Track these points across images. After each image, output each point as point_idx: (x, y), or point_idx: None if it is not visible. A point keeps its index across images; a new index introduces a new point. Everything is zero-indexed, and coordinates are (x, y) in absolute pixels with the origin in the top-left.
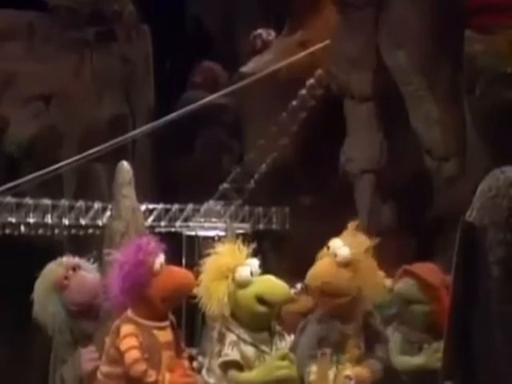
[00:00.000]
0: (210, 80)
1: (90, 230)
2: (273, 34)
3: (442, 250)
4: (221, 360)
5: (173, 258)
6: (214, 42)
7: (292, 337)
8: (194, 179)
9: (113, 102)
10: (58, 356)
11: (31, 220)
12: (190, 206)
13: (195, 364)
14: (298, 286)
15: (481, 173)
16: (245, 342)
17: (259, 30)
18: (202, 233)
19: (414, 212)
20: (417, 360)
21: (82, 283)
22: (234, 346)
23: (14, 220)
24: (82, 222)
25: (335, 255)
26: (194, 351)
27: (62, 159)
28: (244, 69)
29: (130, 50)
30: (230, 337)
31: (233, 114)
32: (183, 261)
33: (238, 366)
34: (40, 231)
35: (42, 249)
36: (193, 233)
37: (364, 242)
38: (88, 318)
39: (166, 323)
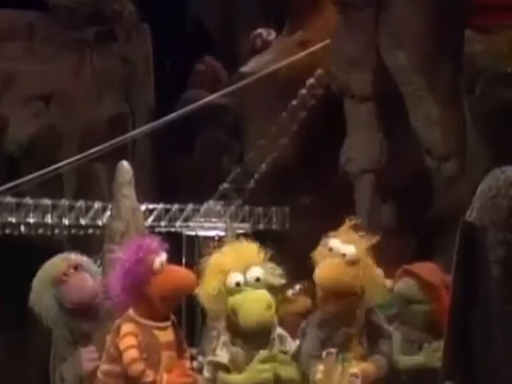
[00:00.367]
0: (212, 73)
1: (90, 230)
2: (273, 33)
3: (442, 250)
4: (210, 359)
5: (173, 258)
6: (213, 42)
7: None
8: (194, 179)
9: (113, 102)
10: (58, 353)
11: (31, 220)
12: (190, 206)
13: (195, 364)
14: (297, 287)
15: (481, 173)
16: (234, 344)
17: (259, 30)
18: (202, 233)
19: (414, 212)
20: (417, 359)
21: (81, 284)
22: (225, 346)
23: (14, 220)
24: (82, 222)
25: (343, 255)
26: (194, 351)
27: (61, 159)
28: (244, 69)
29: (129, 49)
30: (224, 337)
31: (233, 114)
32: (183, 261)
33: (225, 368)
34: (40, 231)
35: (42, 249)
36: (193, 233)
37: (360, 239)
38: (87, 317)
39: (167, 323)
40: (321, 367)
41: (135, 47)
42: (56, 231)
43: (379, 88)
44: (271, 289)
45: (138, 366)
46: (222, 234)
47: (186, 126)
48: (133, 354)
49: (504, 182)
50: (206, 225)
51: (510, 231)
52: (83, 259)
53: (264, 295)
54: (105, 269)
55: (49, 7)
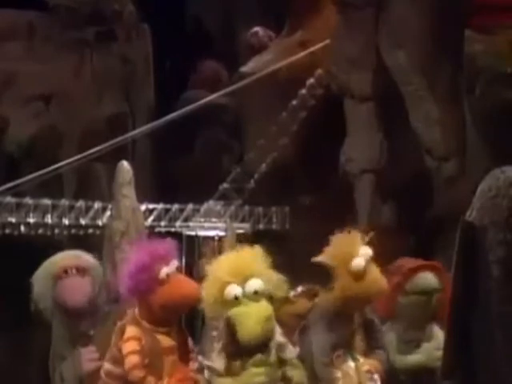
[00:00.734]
0: (212, 73)
1: (90, 230)
2: (270, 32)
3: (442, 250)
4: (205, 362)
5: None
6: (214, 42)
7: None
8: (194, 179)
9: (113, 102)
10: (57, 352)
11: (31, 220)
12: (190, 206)
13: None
14: (299, 289)
15: (481, 173)
16: (232, 351)
17: (256, 28)
18: (201, 233)
19: (414, 212)
20: (414, 358)
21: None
22: (221, 352)
23: (14, 220)
24: (82, 221)
25: (368, 259)
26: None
27: (61, 159)
28: (244, 69)
29: (129, 49)
30: (221, 342)
31: (233, 114)
32: (183, 261)
33: (219, 374)
34: (40, 231)
35: (42, 249)
36: (193, 233)
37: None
38: (82, 319)
39: (171, 328)
40: (338, 374)
41: (135, 47)
42: (56, 231)
43: (379, 88)
44: (271, 297)
45: (139, 373)
46: (222, 233)
47: (186, 125)
48: (134, 359)
49: (504, 182)
50: (206, 225)
51: (510, 231)
52: (90, 261)
53: (262, 308)
54: (106, 269)
55: (49, 7)
